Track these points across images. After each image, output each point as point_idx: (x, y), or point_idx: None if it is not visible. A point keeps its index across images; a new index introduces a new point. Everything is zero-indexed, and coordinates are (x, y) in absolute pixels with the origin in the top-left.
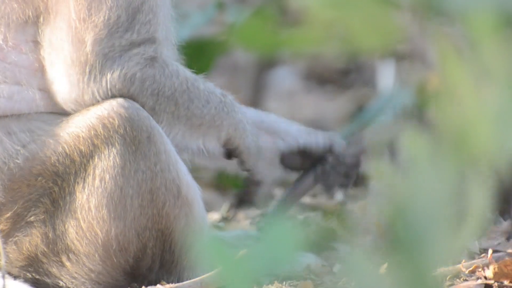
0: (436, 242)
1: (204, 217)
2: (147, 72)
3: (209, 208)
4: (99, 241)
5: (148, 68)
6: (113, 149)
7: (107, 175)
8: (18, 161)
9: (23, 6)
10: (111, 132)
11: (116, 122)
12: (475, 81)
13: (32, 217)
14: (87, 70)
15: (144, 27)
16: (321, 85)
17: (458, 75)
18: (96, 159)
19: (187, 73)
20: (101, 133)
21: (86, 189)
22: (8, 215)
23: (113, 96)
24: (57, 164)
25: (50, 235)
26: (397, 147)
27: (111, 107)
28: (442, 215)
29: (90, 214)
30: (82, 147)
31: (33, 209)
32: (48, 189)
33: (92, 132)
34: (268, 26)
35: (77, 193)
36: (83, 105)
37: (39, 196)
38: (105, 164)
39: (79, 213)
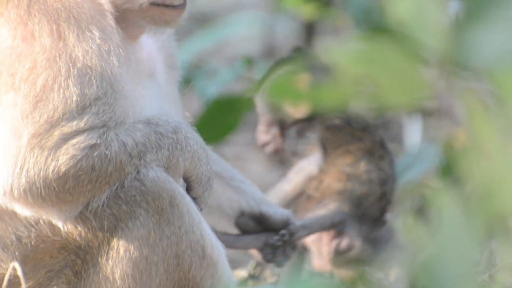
0: None
1: (230, 276)
2: (83, 165)
3: (235, 265)
4: None
5: (85, 160)
6: (137, 221)
7: (132, 247)
8: (31, 237)
9: None
10: (134, 207)
11: (138, 198)
12: (503, 137)
13: (55, 287)
14: (19, 163)
15: (96, 117)
16: None
17: (485, 131)
18: (120, 232)
19: (136, 135)
20: (124, 209)
21: (110, 261)
22: (30, 284)
23: (46, 195)
24: (78, 239)
25: None
26: (426, 204)
27: (131, 184)
28: (470, 272)
29: (115, 285)
30: (105, 222)
31: (55, 279)
32: (70, 261)
33: (114, 210)
34: (297, 81)
35: (101, 265)
36: (11, 200)
37: (61, 267)
38: (129, 236)
39: (103, 284)
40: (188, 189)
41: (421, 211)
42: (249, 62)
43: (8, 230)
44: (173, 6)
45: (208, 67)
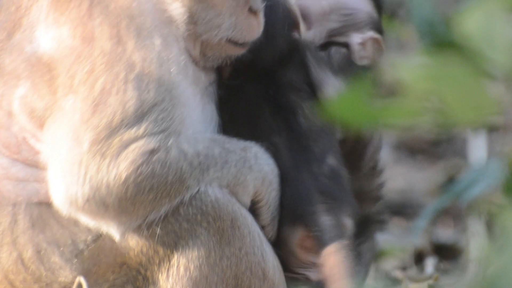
0: None
1: None
2: (143, 170)
3: None
4: None
5: (145, 165)
6: (198, 240)
7: (192, 265)
8: (93, 250)
9: (36, 99)
10: (195, 226)
11: (199, 217)
12: None
13: None
14: (82, 171)
15: (154, 125)
16: (411, 155)
17: None
18: (180, 250)
19: (199, 146)
20: (185, 227)
21: (170, 279)
22: None
23: (108, 204)
24: (140, 255)
25: None
26: (491, 220)
27: (192, 203)
28: None
29: None
30: (166, 239)
31: None
32: (132, 277)
33: (176, 226)
34: (362, 98)
35: (161, 282)
36: (76, 209)
37: (123, 283)
38: (190, 255)
39: None
40: (256, 216)
41: (486, 227)
42: None
43: (70, 239)
44: (240, 44)
45: None
